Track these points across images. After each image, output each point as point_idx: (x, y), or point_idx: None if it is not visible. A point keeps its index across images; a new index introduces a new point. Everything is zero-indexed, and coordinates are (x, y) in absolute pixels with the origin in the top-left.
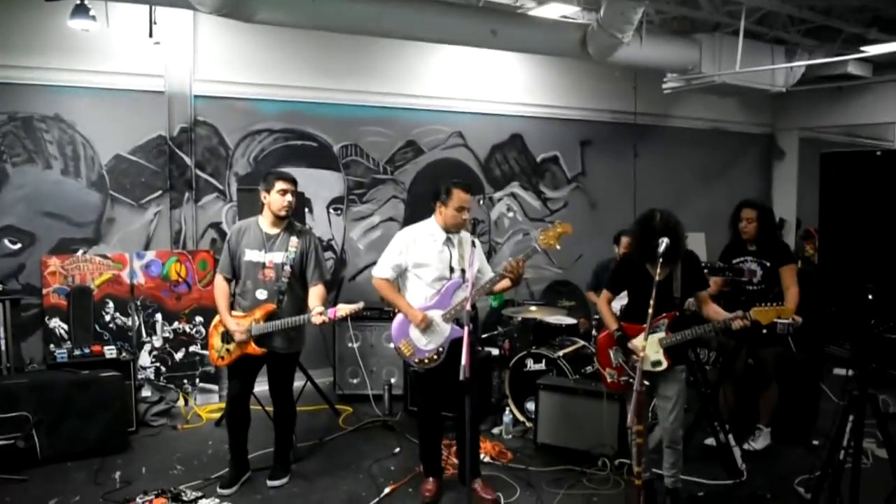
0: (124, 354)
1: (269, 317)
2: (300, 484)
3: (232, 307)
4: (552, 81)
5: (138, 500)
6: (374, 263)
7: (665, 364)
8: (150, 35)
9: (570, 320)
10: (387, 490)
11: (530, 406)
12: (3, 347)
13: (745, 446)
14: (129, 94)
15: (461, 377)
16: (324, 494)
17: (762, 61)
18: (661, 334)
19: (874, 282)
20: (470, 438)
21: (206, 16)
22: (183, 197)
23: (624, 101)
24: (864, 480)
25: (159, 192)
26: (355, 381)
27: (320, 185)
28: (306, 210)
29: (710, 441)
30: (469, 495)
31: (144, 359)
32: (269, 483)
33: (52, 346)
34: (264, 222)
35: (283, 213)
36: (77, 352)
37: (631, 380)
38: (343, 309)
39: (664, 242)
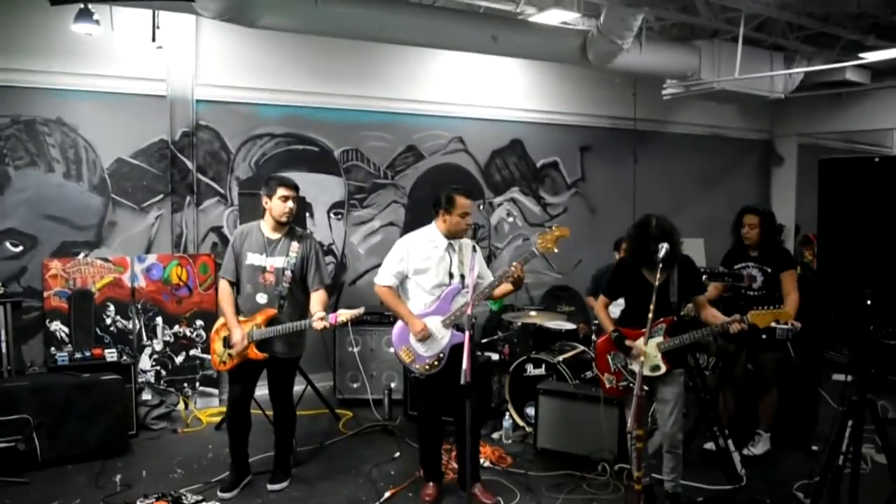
0: (125, 358)
1: (271, 321)
2: (300, 488)
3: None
4: (552, 87)
5: (139, 503)
6: (374, 268)
7: (664, 368)
8: (153, 39)
9: (570, 325)
10: (387, 494)
11: (530, 411)
12: (4, 350)
13: (745, 451)
14: (131, 98)
15: (462, 381)
16: (324, 498)
17: (761, 68)
18: (660, 339)
19: (873, 287)
20: (470, 443)
21: (208, 21)
22: (184, 201)
23: (623, 107)
24: (863, 486)
25: (161, 196)
26: (355, 385)
27: (321, 189)
28: (307, 214)
29: (710, 445)
30: (469, 500)
31: (145, 362)
32: (270, 487)
33: (52, 349)
34: (266, 227)
35: (284, 219)
36: (78, 355)
37: (630, 384)
38: (344, 314)
39: (664, 248)
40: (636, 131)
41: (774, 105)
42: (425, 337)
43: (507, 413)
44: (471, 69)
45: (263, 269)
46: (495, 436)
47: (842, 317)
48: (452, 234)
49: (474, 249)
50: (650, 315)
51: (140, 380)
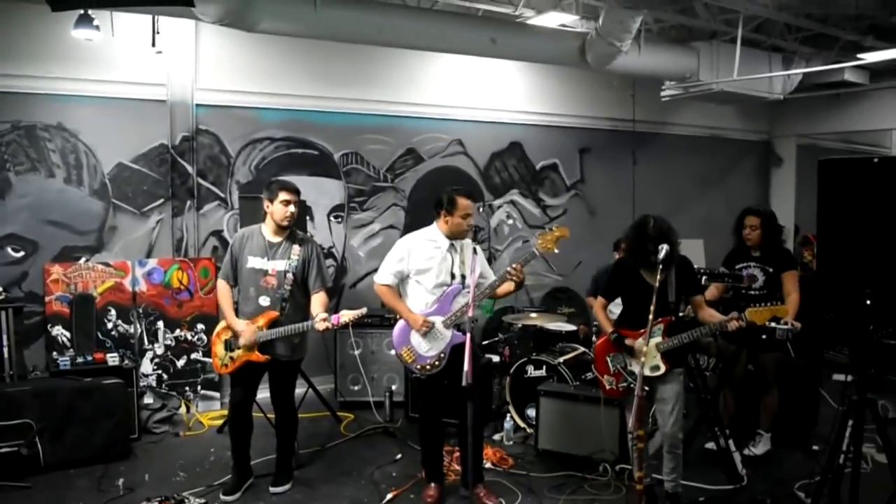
0: (126, 362)
1: (272, 324)
2: (302, 490)
3: (235, 314)
4: (551, 90)
5: None
6: (374, 271)
7: (663, 368)
8: (153, 44)
9: (570, 327)
10: (389, 496)
11: (531, 412)
12: (7, 355)
13: (746, 451)
14: (131, 103)
15: (464, 383)
16: (326, 501)
17: (760, 69)
18: (658, 339)
19: (872, 287)
20: (473, 444)
21: (207, 25)
22: (185, 205)
23: (622, 108)
24: (863, 485)
25: (161, 201)
26: (356, 387)
27: (321, 192)
28: (307, 218)
29: (711, 445)
30: (472, 501)
31: (146, 366)
32: (272, 489)
33: (54, 353)
34: (267, 230)
35: (285, 223)
36: (80, 359)
37: (631, 385)
38: (346, 315)
39: (664, 249)
40: (635, 133)
41: (773, 106)
42: (428, 330)
43: (508, 414)
44: (470, 72)
45: (265, 273)
46: (496, 437)
47: (842, 317)
48: (454, 235)
49: (475, 251)
50: (650, 316)
51: (142, 384)
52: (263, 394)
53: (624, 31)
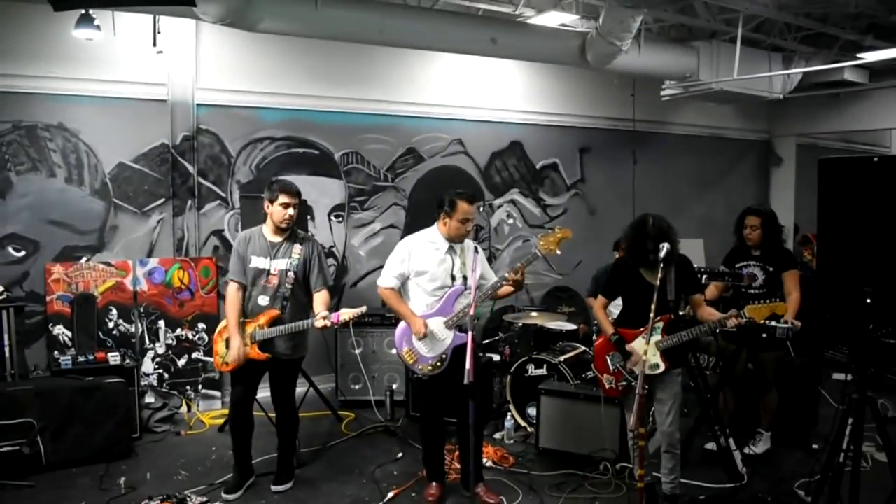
0: (128, 361)
1: (273, 322)
2: (304, 489)
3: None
4: (551, 89)
5: None
6: (375, 270)
7: (662, 367)
8: (154, 44)
9: (571, 326)
10: (390, 494)
11: (532, 411)
12: (8, 354)
13: (746, 450)
14: (132, 103)
15: (465, 381)
16: (327, 499)
17: (759, 68)
18: (658, 337)
19: (872, 286)
20: (474, 443)
21: (208, 25)
22: (185, 205)
23: (622, 108)
24: (863, 483)
25: (162, 200)
26: (357, 386)
27: (322, 192)
28: (308, 217)
29: (711, 446)
30: (473, 499)
31: (147, 365)
32: (274, 488)
33: (55, 352)
34: (268, 231)
35: (284, 225)
36: (81, 358)
37: (632, 383)
38: (346, 313)
39: (665, 248)
40: (635, 132)
41: (773, 105)
42: (426, 335)
43: (509, 413)
44: (470, 71)
45: (267, 272)
46: (497, 436)
47: (842, 316)
48: (452, 238)
49: (476, 250)
50: (651, 314)
51: (143, 383)
52: (264, 393)
53: (624, 30)
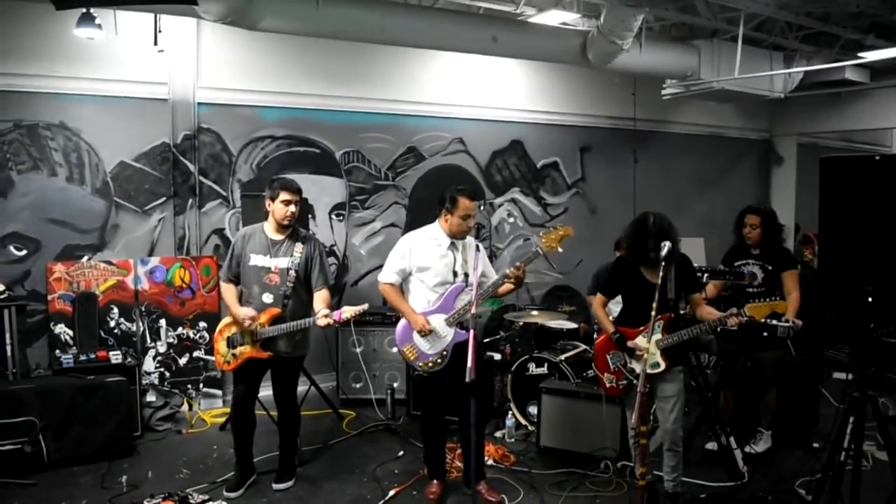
0: (129, 360)
1: (275, 321)
2: (305, 487)
3: None
4: (552, 88)
5: (145, 503)
6: (376, 269)
7: (663, 365)
8: (155, 43)
9: (571, 325)
10: (391, 493)
11: (532, 409)
12: (10, 353)
13: (747, 449)
14: (133, 102)
15: (467, 379)
16: (329, 497)
17: (760, 67)
18: (658, 335)
19: (874, 285)
20: (475, 440)
21: (209, 24)
22: (186, 203)
23: (623, 107)
24: (863, 483)
25: (163, 199)
26: (358, 385)
27: (322, 191)
28: (309, 216)
29: (711, 446)
30: (474, 498)
31: (149, 364)
32: (275, 486)
33: (57, 351)
34: (269, 229)
35: (285, 222)
36: (83, 357)
37: (634, 382)
38: (348, 311)
39: (666, 246)
40: (636, 131)
41: (774, 105)
42: (427, 333)
43: (510, 412)
44: (471, 70)
45: (268, 270)
46: (498, 434)
47: (843, 314)
48: (454, 235)
49: (478, 248)
50: (653, 313)
51: (144, 381)
52: (266, 391)
53: (625, 29)
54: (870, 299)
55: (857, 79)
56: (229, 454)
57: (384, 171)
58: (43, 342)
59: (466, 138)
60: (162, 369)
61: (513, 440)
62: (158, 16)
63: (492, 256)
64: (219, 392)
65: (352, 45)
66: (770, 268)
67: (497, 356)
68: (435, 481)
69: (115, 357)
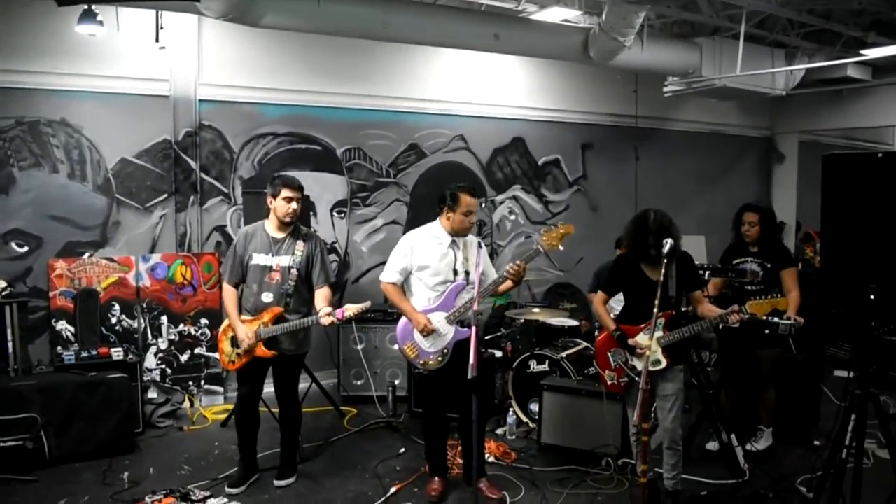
0: (131, 356)
1: (277, 320)
2: (307, 484)
3: (239, 311)
4: (554, 85)
5: (147, 499)
6: (377, 266)
7: (664, 363)
8: (157, 40)
9: (572, 322)
10: (393, 490)
11: (534, 407)
12: (11, 350)
13: (748, 447)
14: (134, 99)
15: (469, 376)
16: (330, 494)
17: (762, 65)
18: (659, 333)
19: (876, 282)
20: (477, 437)
21: (210, 21)
22: (188, 200)
23: (625, 104)
24: (865, 481)
25: (164, 196)
26: (359, 382)
27: (324, 188)
28: (311, 213)
29: (711, 445)
30: (475, 494)
31: (150, 361)
32: (277, 483)
33: (58, 348)
34: (270, 226)
35: (287, 219)
36: (84, 354)
37: (635, 379)
38: (350, 309)
39: (668, 243)
40: (638, 129)
41: (775, 102)
42: (429, 332)
43: (511, 409)
44: (472, 67)
45: (270, 269)
46: (499, 431)
47: (844, 313)
48: (456, 232)
49: (480, 246)
50: (655, 310)
51: (146, 378)
52: (267, 388)
53: (627, 26)
54: (872, 297)
55: (859, 76)
56: (231, 450)
57: (385, 169)
58: (44, 339)
59: (468, 135)
60: (163, 366)
61: (514, 437)
62: (160, 12)
63: (493, 254)
64: (220, 389)
65: (353, 42)
66: (769, 265)
67: (498, 353)
68: (436, 478)
69: (117, 354)
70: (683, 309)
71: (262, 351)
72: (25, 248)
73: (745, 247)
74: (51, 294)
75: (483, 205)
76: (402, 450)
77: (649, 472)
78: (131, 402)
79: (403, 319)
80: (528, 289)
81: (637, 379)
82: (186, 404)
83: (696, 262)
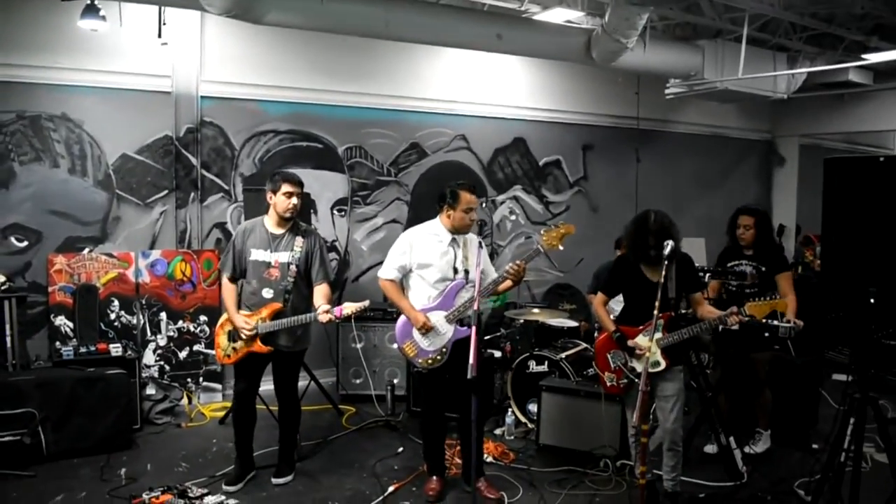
0: (129, 353)
1: (276, 315)
2: (305, 482)
3: (238, 307)
4: (555, 86)
5: (144, 496)
6: (377, 265)
7: (663, 364)
8: (159, 36)
9: (572, 323)
10: (391, 489)
11: (532, 407)
12: (10, 345)
13: (746, 449)
14: (136, 94)
15: (469, 376)
16: (328, 492)
17: (764, 68)
18: (658, 334)
19: (877, 286)
20: (476, 437)
21: (213, 17)
22: (188, 197)
23: (626, 106)
24: (863, 484)
25: (165, 192)
26: (358, 381)
27: (325, 186)
28: (311, 211)
29: (710, 448)
30: (474, 495)
31: (149, 357)
32: (274, 481)
33: (57, 343)
34: (270, 222)
35: (287, 215)
36: (83, 349)
37: (635, 381)
38: (349, 307)
39: (669, 244)
40: (639, 130)
41: (776, 105)
42: (427, 330)
43: (510, 409)
44: (474, 67)
45: (268, 265)
46: (498, 432)
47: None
48: (457, 230)
49: (480, 245)
50: (655, 311)
51: (144, 374)
52: (266, 386)
53: (630, 27)
54: (872, 300)
55: (861, 80)
56: (228, 448)
57: (386, 167)
58: (43, 334)
59: (469, 135)
60: (162, 362)
61: (512, 438)
62: (163, 8)
63: (493, 254)
64: (218, 386)
65: (356, 41)
66: (763, 269)
67: (497, 353)
68: (434, 477)
69: (115, 350)
70: (682, 311)
71: (258, 346)
72: (25, 243)
73: (740, 250)
74: (50, 289)
75: (484, 205)
76: (401, 449)
77: (648, 474)
78: (129, 398)
79: (402, 318)
80: (528, 289)
81: (636, 380)
82: (185, 401)
83: (696, 265)
